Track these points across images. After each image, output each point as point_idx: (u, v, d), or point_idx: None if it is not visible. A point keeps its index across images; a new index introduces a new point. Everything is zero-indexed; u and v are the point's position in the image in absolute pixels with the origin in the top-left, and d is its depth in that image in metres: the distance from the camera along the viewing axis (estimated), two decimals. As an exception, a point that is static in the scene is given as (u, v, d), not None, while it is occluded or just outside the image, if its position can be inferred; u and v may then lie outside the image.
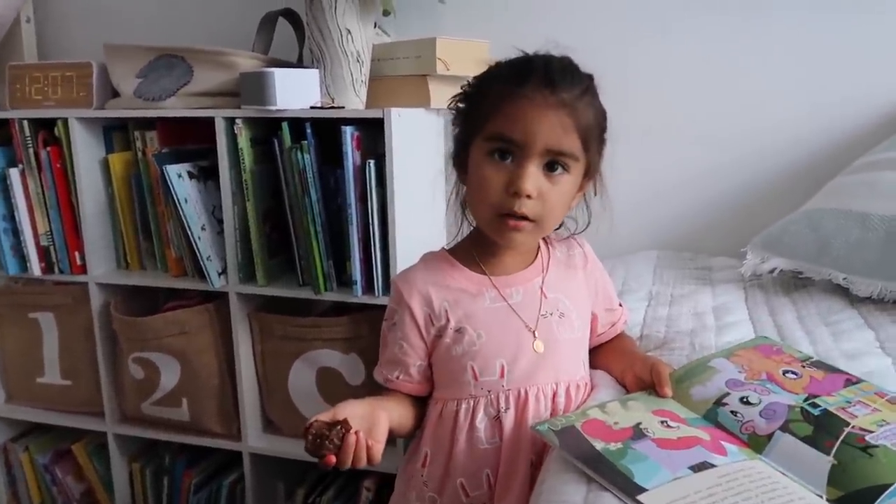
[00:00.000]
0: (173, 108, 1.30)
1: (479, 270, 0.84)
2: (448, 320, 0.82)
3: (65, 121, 1.35)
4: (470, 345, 0.81)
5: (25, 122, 1.37)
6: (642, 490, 0.59)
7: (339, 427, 0.71)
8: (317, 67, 1.28)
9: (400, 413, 0.83)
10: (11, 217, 1.40)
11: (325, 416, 0.72)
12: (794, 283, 1.16)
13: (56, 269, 1.42)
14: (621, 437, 0.68)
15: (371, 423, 0.75)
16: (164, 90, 1.31)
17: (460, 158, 0.83)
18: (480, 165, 0.77)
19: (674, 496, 0.58)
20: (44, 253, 1.42)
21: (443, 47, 1.27)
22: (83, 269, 1.41)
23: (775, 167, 1.41)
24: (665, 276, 1.25)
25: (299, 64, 1.42)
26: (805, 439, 0.64)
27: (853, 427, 0.64)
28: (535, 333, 0.82)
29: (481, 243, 0.84)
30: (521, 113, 0.74)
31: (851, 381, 0.73)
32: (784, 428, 0.66)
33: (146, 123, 1.39)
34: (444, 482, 0.82)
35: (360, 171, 1.20)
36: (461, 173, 0.84)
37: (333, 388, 1.33)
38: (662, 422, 0.70)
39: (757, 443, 0.66)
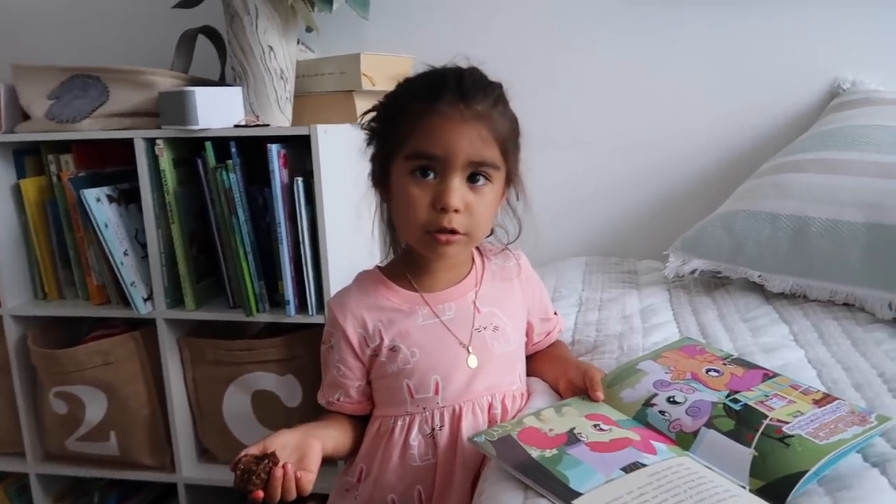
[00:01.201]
0: (90, 129, 1.25)
1: (412, 288, 0.84)
2: (382, 339, 0.82)
3: (-30, 146, 1.29)
4: (404, 363, 0.81)
5: (-74, 150, 1.29)
6: (577, 494, 0.61)
7: (266, 461, 0.71)
8: (240, 85, 1.26)
9: (337, 436, 0.83)
10: (-86, 250, 1.32)
11: (254, 450, 0.72)
12: (714, 283, 1.21)
13: (-34, 304, 1.34)
14: (556, 443, 0.69)
15: (302, 452, 0.75)
16: (79, 111, 1.26)
17: (381, 177, 0.83)
18: (403, 185, 0.77)
19: (607, 498, 0.60)
20: (-48, 286, 1.33)
21: (367, 62, 1.28)
22: (-4, 302, 1.34)
23: (692, 171, 1.47)
24: (594, 281, 1.28)
25: (221, 82, 1.39)
26: (728, 434, 0.67)
27: (771, 419, 0.68)
28: (469, 349, 0.82)
29: (413, 260, 0.85)
30: (438, 128, 0.75)
31: (768, 375, 0.78)
32: (708, 424, 0.69)
33: (61, 146, 1.33)
34: (374, 496, 0.83)
35: (289, 190, 1.19)
36: (383, 192, 0.84)
37: (270, 411, 1.30)
38: (595, 425, 0.73)
39: (684, 440, 0.69)
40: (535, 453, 0.68)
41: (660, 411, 0.73)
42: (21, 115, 1.33)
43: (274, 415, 1.30)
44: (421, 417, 0.81)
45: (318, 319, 1.22)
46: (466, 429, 0.80)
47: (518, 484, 0.66)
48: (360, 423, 0.88)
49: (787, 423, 0.67)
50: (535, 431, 0.72)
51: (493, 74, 0.80)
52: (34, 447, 1.40)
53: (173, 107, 1.19)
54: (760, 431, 0.66)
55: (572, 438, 0.70)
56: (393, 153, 0.78)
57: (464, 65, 0.79)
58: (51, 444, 1.38)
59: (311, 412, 1.29)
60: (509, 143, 0.79)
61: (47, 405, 1.34)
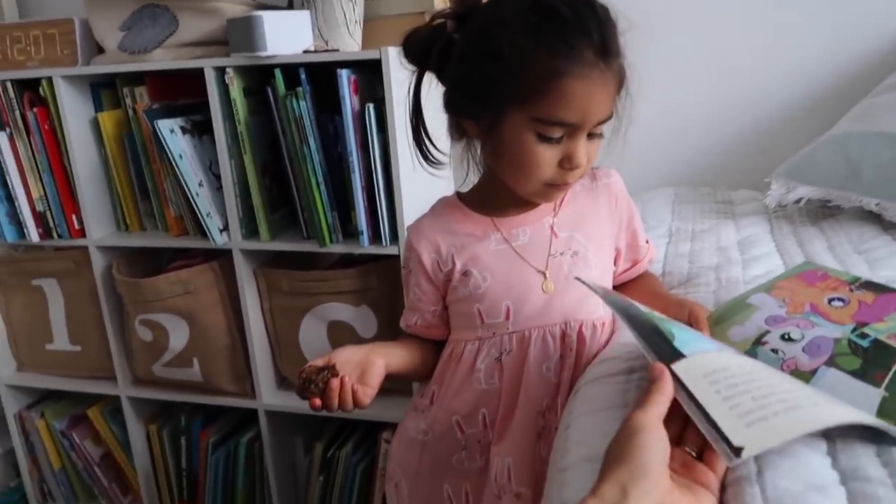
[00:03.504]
0: (161, 60, 1.24)
1: (486, 213, 0.82)
2: (454, 264, 0.81)
3: (49, 80, 1.30)
4: (475, 288, 0.80)
5: (9, 84, 1.31)
6: (679, 356, 0.54)
7: (325, 372, 0.74)
8: (307, 9, 1.21)
9: (405, 356, 0.84)
10: (4, 183, 1.36)
11: (319, 361, 0.75)
12: (821, 213, 1.10)
13: (55, 234, 1.38)
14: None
15: (364, 368, 0.76)
16: (150, 42, 1.25)
17: (473, 110, 0.74)
18: (526, 142, 0.70)
19: (709, 368, 0.53)
20: (40, 218, 1.38)
21: (440, -21, 1.20)
22: (82, 233, 1.37)
23: (793, 97, 1.34)
24: (684, 211, 1.20)
25: (289, 6, 1.34)
26: (853, 373, 0.59)
27: None
28: (546, 274, 0.79)
29: (492, 188, 0.81)
30: (578, 96, 0.67)
31: None
32: (829, 363, 0.61)
33: (135, 79, 1.33)
34: (440, 417, 0.84)
35: (360, 117, 1.14)
36: (475, 125, 0.75)
37: (345, 341, 1.28)
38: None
39: (800, 378, 0.61)
40: (643, 309, 0.63)
41: (772, 350, 0.65)
42: (96, 49, 1.33)
43: (350, 344, 1.30)
44: (490, 342, 0.80)
45: (392, 250, 1.19)
46: (534, 356, 0.78)
47: (608, 417, 0.61)
48: (436, 347, 0.88)
49: None
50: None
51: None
52: (124, 372, 1.46)
53: (241, 33, 1.15)
54: (894, 370, 0.57)
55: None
56: (508, 102, 0.69)
57: None
58: (139, 370, 1.44)
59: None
60: (624, 87, 0.73)
61: (134, 332, 1.39)
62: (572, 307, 0.79)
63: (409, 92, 0.80)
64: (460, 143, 0.81)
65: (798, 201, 1.06)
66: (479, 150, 0.80)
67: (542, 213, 0.81)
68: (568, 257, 0.80)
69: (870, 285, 0.71)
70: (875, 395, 0.56)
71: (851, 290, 0.71)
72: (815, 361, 0.62)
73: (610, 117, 0.72)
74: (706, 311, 0.74)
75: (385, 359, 0.79)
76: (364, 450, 1.40)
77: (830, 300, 0.70)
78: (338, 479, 1.38)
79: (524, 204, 0.81)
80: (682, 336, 0.57)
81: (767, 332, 0.67)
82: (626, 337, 0.76)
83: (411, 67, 0.79)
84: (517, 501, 0.79)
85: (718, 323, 0.72)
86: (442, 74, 0.77)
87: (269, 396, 1.39)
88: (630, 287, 0.88)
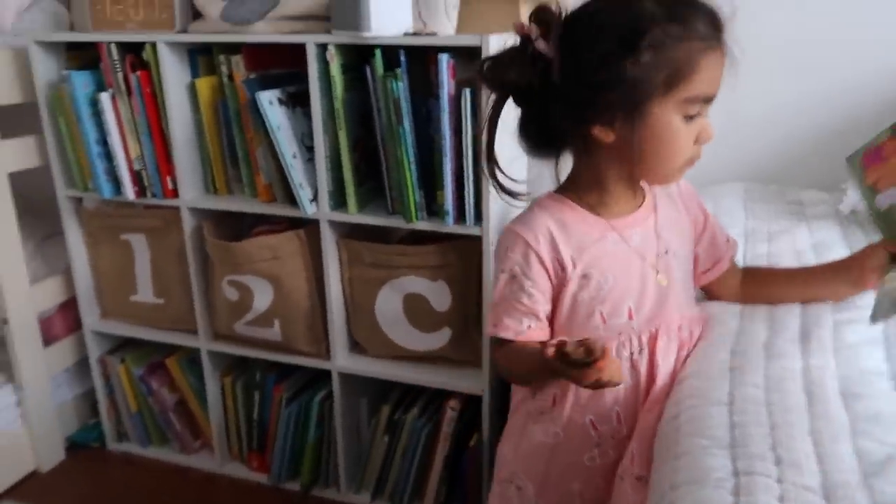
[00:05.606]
0: (263, 32, 1.29)
1: (596, 213, 0.83)
2: (574, 265, 0.81)
3: (153, 45, 1.35)
4: (597, 290, 0.82)
5: (113, 46, 1.37)
6: None
7: (600, 344, 0.68)
8: (408, -9, 1.25)
9: None
10: (104, 142, 1.43)
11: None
12: None
13: (149, 193, 1.45)
14: None
15: None
16: (252, 13, 1.29)
17: (605, 116, 0.75)
18: (673, 125, 0.74)
19: None
20: (136, 177, 1.45)
21: (539, -30, 1.23)
22: (175, 194, 1.44)
23: (868, 96, 1.36)
24: (757, 210, 1.24)
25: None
26: None
27: None
28: (657, 269, 0.84)
29: (597, 186, 0.82)
30: (717, 69, 0.73)
31: None
32: None
33: (231, 47, 1.37)
34: (571, 419, 0.85)
35: (455, 101, 1.19)
36: (605, 130, 0.76)
37: (420, 313, 1.37)
38: None
39: None
40: None
41: None
42: (192, 14, 1.38)
43: (423, 316, 1.37)
44: (618, 342, 0.83)
45: (475, 231, 1.25)
46: (661, 352, 0.83)
47: (716, 413, 0.67)
48: None
49: None
50: None
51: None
52: (205, 327, 1.54)
53: (346, 11, 1.19)
54: None
55: None
56: (656, 90, 0.72)
57: None
58: (220, 326, 1.52)
59: (460, 317, 1.35)
60: None
61: (220, 291, 1.46)
62: (682, 302, 0.85)
63: (486, 120, 0.81)
64: (552, 161, 0.84)
65: (875, 209, 1.11)
66: (582, 157, 0.83)
67: (646, 213, 0.85)
68: (671, 256, 0.85)
69: None
70: None
71: None
72: None
73: None
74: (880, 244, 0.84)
75: None
76: (428, 415, 1.48)
77: None
78: (402, 440, 1.47)
79: (632, 202, 0.85)
80: None
81: None
82: (720, 330, 0.83)
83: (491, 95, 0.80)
84: (637, 484, 0.79)
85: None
86: (538, 95, 0.77)
87: (343, 359, 1.47)
88: (775, 280, 0.94)
